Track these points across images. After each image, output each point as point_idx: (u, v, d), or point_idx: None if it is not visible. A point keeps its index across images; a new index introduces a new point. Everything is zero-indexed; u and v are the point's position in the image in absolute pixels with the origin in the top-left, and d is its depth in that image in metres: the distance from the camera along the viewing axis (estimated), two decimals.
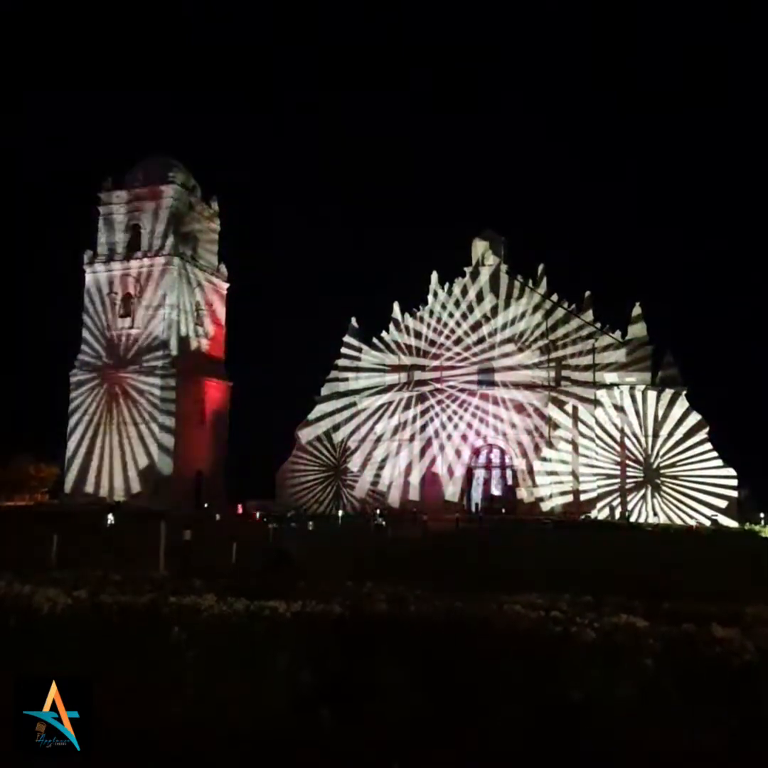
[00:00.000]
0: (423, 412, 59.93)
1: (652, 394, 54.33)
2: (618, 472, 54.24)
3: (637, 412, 54.50)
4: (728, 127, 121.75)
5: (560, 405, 56.74)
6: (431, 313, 61.72)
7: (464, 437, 58.99)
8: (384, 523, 43.02)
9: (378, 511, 51.63)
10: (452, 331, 60.75)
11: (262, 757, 6.15)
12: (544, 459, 56.24)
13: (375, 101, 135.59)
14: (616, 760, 6.03)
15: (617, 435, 54.72)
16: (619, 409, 54.91)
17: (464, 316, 60.68)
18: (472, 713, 6.51)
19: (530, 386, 57.97)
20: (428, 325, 61.51)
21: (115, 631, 7.50)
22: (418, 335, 61.63)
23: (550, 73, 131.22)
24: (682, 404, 53.81)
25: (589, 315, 58.30)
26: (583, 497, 54.51)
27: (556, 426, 56.72)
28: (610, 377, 56.21)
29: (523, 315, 59.39)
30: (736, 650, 6.17)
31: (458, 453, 58.90)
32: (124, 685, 6.92)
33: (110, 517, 40.74)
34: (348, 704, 6.65)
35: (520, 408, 57.93)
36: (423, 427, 59.79)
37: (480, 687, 6.62)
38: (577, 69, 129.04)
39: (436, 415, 59.70)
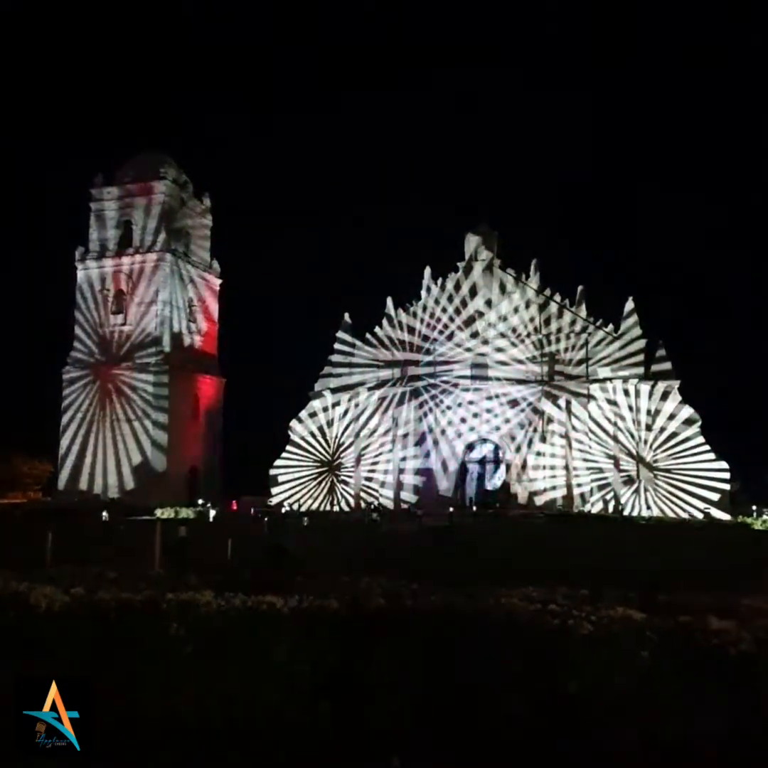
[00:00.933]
0: (417, 408, 59.93)
1: (644, 388, 54.50)
2: (611, 466, 54.43)
3: (629, 406, 54.67)
4: (726, 126, 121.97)
5: (554, 399, 56.85)
6: (424, 308, 61.59)
7: (458, 432, 59.05)
8: (378, 518, 43.08)
9: (372, 506, 51.68)
10: (445, 326, 60.67)
11: (262, 751, 6.16)
12: (538, 453, 56.37)
13: (374, 101, 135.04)
14: (614, 750, 6.07)
15: (610, 429, 54.90)
16: (612, 403, 55.08)
17: (457, 311, 60.62)
18: (471, 706, 6.54)
19: (523, 381, 58.06)
20: (421, 321, 61.40)
21: (113, 629, 7.49)
22: (411, 331, 61.53)
23: (549, 73, 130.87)
24: (674, 398, 54.00)
25: (582, 310, 58.37)
26: (576, 491, 54.71)
27: (549, 420, 56.83)
28: (603, 371, 56.33)
29: (516, 310, 59.39)
30: (733, 641, 6.20)
31: (452, 448, 58.97)
32: (122, 682, 6.91)
33: (105, 514, 40.77)
34: (347, 698, 6.66)
35: (513, 403, 58.03)
36: (417, 422, 59.79)
37: (479, 680, 6.65)
38: (576, 69, 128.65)
39: (430, 410, 59.69)
